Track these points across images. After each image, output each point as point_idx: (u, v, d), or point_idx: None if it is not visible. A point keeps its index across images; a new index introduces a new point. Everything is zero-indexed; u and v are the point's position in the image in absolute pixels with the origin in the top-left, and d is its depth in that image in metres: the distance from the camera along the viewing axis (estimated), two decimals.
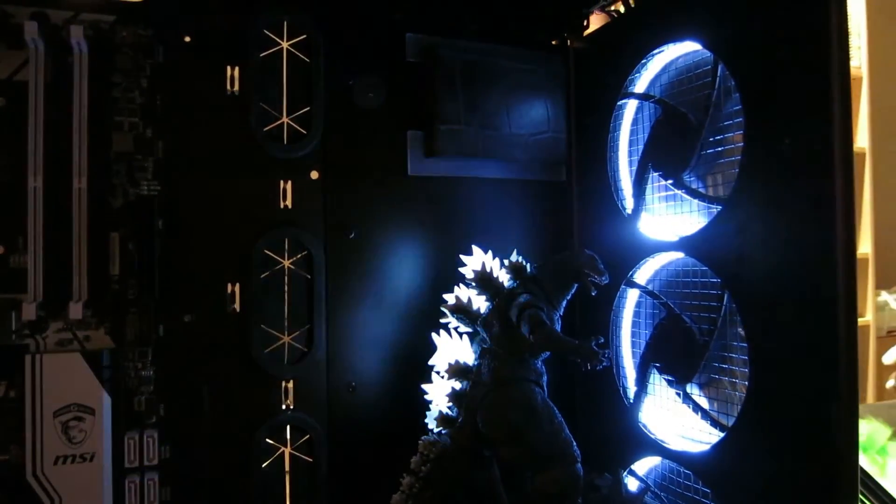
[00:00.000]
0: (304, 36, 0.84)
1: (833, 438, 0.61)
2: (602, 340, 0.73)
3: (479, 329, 0.78)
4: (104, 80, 0.75)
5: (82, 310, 0.72)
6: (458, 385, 0.77)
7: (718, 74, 0.76)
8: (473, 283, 0.79)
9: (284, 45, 0.84)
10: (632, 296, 0.92)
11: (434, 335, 0.81)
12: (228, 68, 0.81)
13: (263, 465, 0.81)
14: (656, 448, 0.84)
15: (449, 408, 0.77)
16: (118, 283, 0.75)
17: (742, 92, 0.72)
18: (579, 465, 0.74)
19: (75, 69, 0.73)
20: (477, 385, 0.76)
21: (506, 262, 0.79)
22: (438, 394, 0.79)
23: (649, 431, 0.86)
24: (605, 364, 0.71)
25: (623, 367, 0.92)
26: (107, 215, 0.75)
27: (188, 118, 0.79)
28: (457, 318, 0.79)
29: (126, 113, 0.76)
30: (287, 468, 0.83)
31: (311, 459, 0.84)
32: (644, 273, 0.89)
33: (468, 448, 0.76)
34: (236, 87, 0.81)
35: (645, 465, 0.88)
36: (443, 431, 0.77)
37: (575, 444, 0.74)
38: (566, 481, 0.72)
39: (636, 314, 0.92)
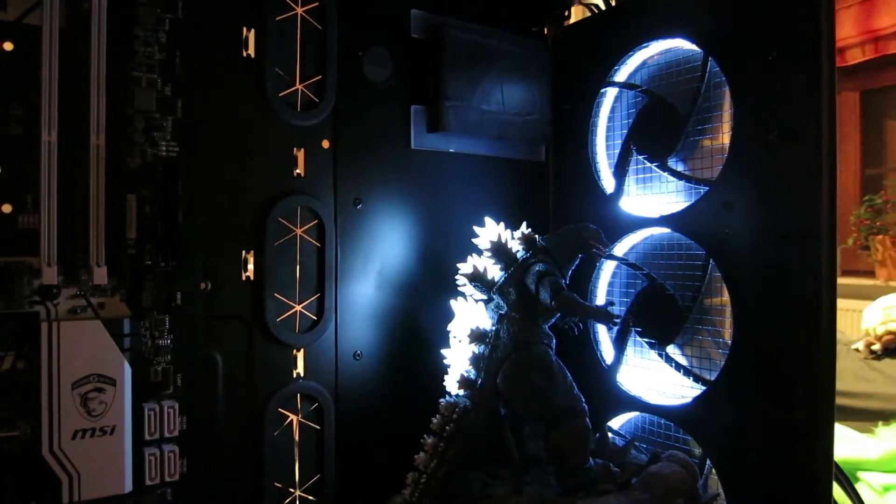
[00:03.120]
0: (317, 3, 0.84)
1: (811, 386, 0.73)
2: (614, 304, 0.80)
3: (494, 296, 0.82)
4: (123, 32, 0.70)
5: (106, 275, 0.68)
6: (476, 349, 0.81)
7: (708, 69, 0.86)
8: (488, 253, 0.83)
9: (299, 10, 0.82)
10: (608, 268, 1.01)
11: (452, 302, 0.84)
12: (244, 30, 0.79)
13: (275, 434, 0.81)
14: (635, 404, 0.94)
15: (468, 371, 0.81)
16: (135, 248, 0.71)
17: (731, 85, 0.82)
18: (588, 419, 0.80)
19: (93, 16, 0.67)
20: (496, 349, 0.80)
21: (517, 233, 0.84)
22: (457, 358, 0.83)
23: (627, 390, 0.95)
24: (618, 325, 0.79)
25: (597, 333, 1.01)
26: (123, 176, 0.71)
27: (204, 78, 0.76)
28: (473, 286, 0.83)
29: (144, 69, 0.72)
30: (296, 436, 0.83)
31: (319, 427, 0.84)
32: (621, 248, 0.98)
33: (488, 408, 0.80)
34: (251, 51, 0.79)
35: (621, 419, 0.98)
36: (462, 393, 0.81)
37: (584, 399, 0.81)
38: (579, 433, 0.79)
39: (610, 284, 1.01)
